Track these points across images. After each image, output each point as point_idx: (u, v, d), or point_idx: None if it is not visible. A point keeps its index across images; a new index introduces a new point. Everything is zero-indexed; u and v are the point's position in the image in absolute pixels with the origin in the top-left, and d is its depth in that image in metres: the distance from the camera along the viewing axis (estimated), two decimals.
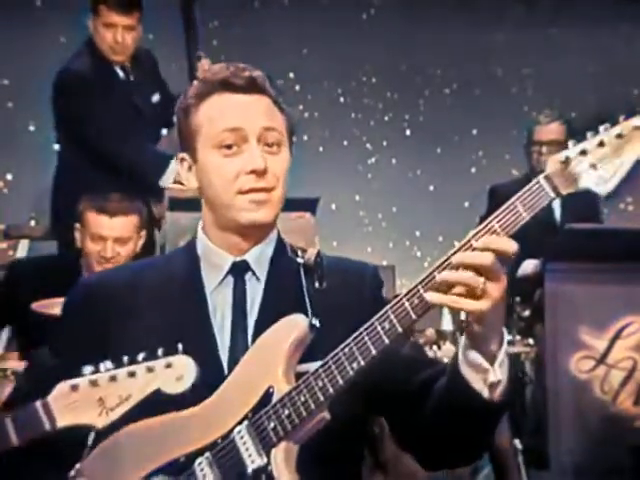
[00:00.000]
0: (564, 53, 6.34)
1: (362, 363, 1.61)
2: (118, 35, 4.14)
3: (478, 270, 1.56)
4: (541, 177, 1.60)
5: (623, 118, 1.61)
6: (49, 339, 1.87)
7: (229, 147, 1.74)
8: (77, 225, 3.63)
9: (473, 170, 6.34)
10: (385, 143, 6.37)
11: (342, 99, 6.33)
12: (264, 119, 1.74)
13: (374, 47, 6.21)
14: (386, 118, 6.38)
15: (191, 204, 4.01)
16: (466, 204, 6.12)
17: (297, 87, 6.18)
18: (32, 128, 5.84)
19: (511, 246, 1.57)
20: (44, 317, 3.14)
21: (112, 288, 1.80)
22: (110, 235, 3.55)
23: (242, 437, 1.63)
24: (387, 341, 1.59)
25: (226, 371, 1.72)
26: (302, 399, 1.62)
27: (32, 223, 4.95)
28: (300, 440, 1.64)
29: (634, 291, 3.94)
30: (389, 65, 6.28)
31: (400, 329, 1.59)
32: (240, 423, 1.63)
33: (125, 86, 4.23)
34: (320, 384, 1.62)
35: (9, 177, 5.89)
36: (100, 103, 4.06)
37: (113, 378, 1.52)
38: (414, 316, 1.59)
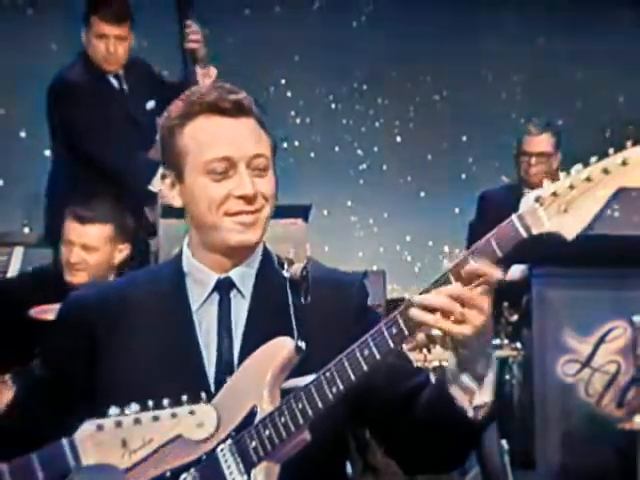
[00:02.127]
0: (552, 61, 6.35)
1: (341, 387, 1.63)
2: (110, 45, 4.19)
3: (456, 300, 1.60)
4: (514, 216, 1.62)
5: (595, 160, 1.60)
6: (39, 349, 1.90)
7: (218, 173, 1.75)
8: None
9: (463, 176, 6.34)
10: (376, 149, 6.36)
11: (333, 105, 6.33)
12: (252, 146, 1.75)
13: (365, 54, 6.22)
14: (377, 124, 6.38)
15: (182, 212, 4.05)
16: (456, 210, 6.13)
17: (289, 93, 6.21)
18: (23, 135, 5.84)
19: (493, 273, 1.60)
20: (43, 324, 3.17)
21: (100, 303, 1.81)
22: (77, 241, 3.54)
23: (224, 455, 1.66)
24: (365, 367, 1.62)
25: (212, 388, 1.74)
26: (282, 420, 1.64)
27: (26, 230, 4.95)
28: (280, 460, 1.66)
29: (618, 296, 3.97)
30: (380, 72, 6.29)
31: (378, 356, 1.62)
32: (224, 441, 1.65)
33: (119, 95, 4.27)
34: (300, 406, 1.64)
35: (0, 183, 5.87)
36: (93, 112, 4.10)
37: (138, 421, 1.53)
38: (392, 344, 1.62)
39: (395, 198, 6.29)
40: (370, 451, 3.42)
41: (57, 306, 3.25)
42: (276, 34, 6.07)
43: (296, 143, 6.15)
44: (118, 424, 1.52)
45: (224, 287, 1.79)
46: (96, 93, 4.17)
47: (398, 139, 6.40)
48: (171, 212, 3.70)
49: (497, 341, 4.20)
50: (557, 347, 3.99)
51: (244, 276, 1.80)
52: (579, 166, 1.60)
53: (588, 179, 1.59)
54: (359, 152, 6.34)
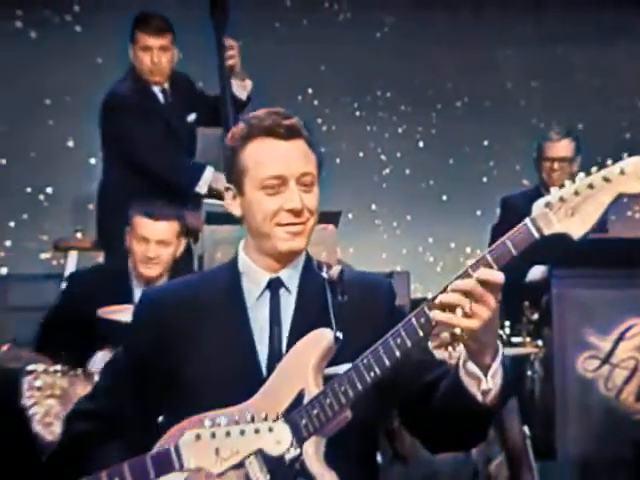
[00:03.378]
0: (570, 67, 6.40)
1: (378, 372, 1.87)
2: (154, 56, 4.43)
3: (467, 295, 1.82)
4: (528, 219, 1.82)
5: (596, 170, 1.78)
6: (122, 342, 2.14)
7: (272, 188, 2.00)
8: (127, 228, 3.87)
9: (484, 180, 6.38)
10: (399, 154, 6.40)
11: (358, 113, 6.39)
12: (301, 165, 2.01)
13: (388, 63, 6.27)
14: (400, 130, 6.42)
15: (226, 218, 4.31)
16: (478, 212, 6.19)
17: (315, 102, 6.29)
18: (70, 144, 5.97)
19: (497, 277, 1.83)
20: (109, 323, 3.39)
21: (171, 300, 2.06)
22: (153, 237, 3.78)
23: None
24: (398, 354, 1.86)
25: (264, 373, 1.99)
26: (328, 401, 1.89)
27: (78, 235, 5.10)
28: (326, 435, 1.91)
29: (636, 295, 4.06)
30: (402, 80, 6.33)
31: (409, 344, 1.86)
32: (277, 419, 1.85)
33: (163, 108, 4.49)
34: (343, 389, 1.88)
35: (49, 190, 6.00)
36: (140, 122, 4.33)
37: (228, 434, 1.75)
38: (421, 333, 1.85)
39: (418, 202, 6.34)
40: (398, 441, 3.52)
41: (122, 307, 3.51)
42: (304, 45, 6.17)
43: (322, 149, 6.26)
44: (212, 435, 1.74)
45: (275, 285, 2.05)
46: (143, 106, 4.39)
47: (420, 144, 6.44)
48: (214, 219, 3.94)
49: (519, 339, 4.29)
50: (577, 344, 4.06)
51: (291, 276, 2.05)
52: (582, 174, 1.79)
53: (591, 186, 1.77)
54: (382, 157, 6.40)
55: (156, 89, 4.52)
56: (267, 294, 2.05)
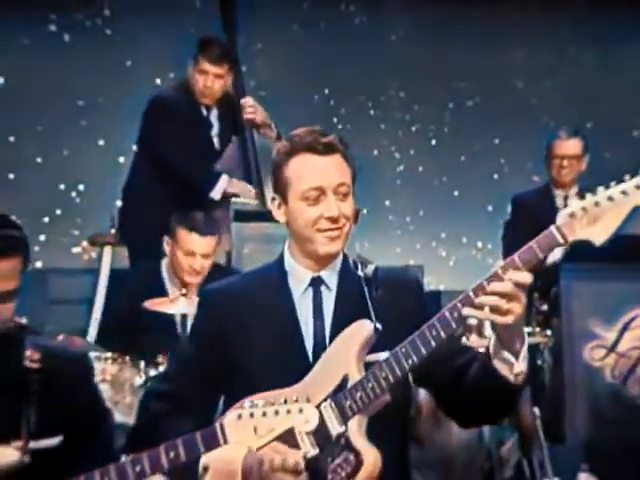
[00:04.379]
0: (580, 67, 6.52)
1: (415, 360, 2.12)
2: (209, 81, 4.67)
3: (503, 297, 2.06)
4: (553, 227, 2.04)
5: (615, 184, 1.98)
6: (190, 331, 2.40)
7: (312, 198, 2.24)
8: (167, 239, 4.10)
9: (495, 176, 6.51)
10: (412, 152, 6.53)
11: (372, 112, 6.53)
12: (338, 177, 2.25)
13: (402, 64, 6.41)
14: (413, 129, 6.56)
15: (252, 216, 4.55)
16: (489, 208, 6.33)
17: (332, 102, 6.44)
18: (101, 143, 6.15)
19: (527, 278, 2.07)
20: (153, 314, 3.61)
21: (229, 296, 2.33)
22: (199, 251, 4.03)
23: (326, 410, 2.13)
24: (433, 344, 2.11)
25: (311, 360, 2.24)
26: (370, 385, 2.14)
27: (112, 231, 5.22)
28: (368, 414, 2.15)
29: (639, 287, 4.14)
30: (416, 80, 6.47)
31: (443, 335, 2.10)
32: (325, 400, 2.12)
33: (204, 122, 4.74)
34: (383, 375, 2.14)
35: (81, 187, 6.17)
36: (176, 127, 4.55)
37: (264, 414, 1.96)
38: (454, 326, 2.10)
39: (430, 198, 6.47)
40: (415, 425, 3.64)
41: (165, 299, 3.76)
42: (321, 47, 6.31)
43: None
44: (251, 415, 1.96)
45: (316, 284, 2.30)
46: (184, 113, 4.64)
47: (433, 142, 6.57)
48: (241, 216, 4.16)
49: (529, 329, 4.40)
50: (584, 334, 4.15)
51: (330, 275, 2.30)
52: (602, 188, 2.01)
53: (610, 199, 2.00)
54: (396, 155, 6.54)
55: (202, 106, 4.76)
56: (310, 291, 2.30)
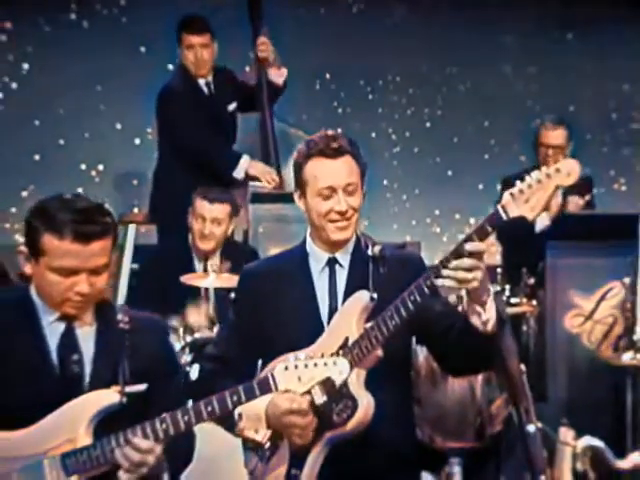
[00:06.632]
0: (565, 54, 6.72)
1: (397, 321, 2.53)
2: (197, 52, 5.02)
3: (468, 270, 2.44)
4: (499, 206, 2.40)
5: (545, 168, 2.31)
6: (232, 305, 2.83)
7: (325, 195, 2.67)
8: (190, 209, 4.44)
9: (486, 157, 6.74)
10: (408, 134, 6.72)
11: (370, 96, 6.72)
12: (346, 178, 2.67)
13: (398, 51, 6.60)
14: (409, 112, 6.74)
15: (268, 198, 4.97)
16: (480, 186, 6.56)
17: (332, 86, 6.67)
18: (119, 126, 6.42)
19: (481, 247, 2.45)
20: (188, 287, 3.94)
21: (263, 273, 2.77)
22: (209, 216, 4.36)
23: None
24: (411, 307, 2.51)
25: (325, 327, 2.68)
26: (364, 343, 2.56)
27: (135, 210, 5.63)
28: (365, 367, 2.56)
29: (616, 262, 4.41)
30: (411, 66, 6.65)
31: (419, 299, 2.50)
32: (339, 355, 2.49)
33: (207, 99, 5.07)
34: (374, 334, 2.55)
35: (100, 167, 6.45)
36: (187, 111, 4.91)
37: (306, 365, 2.30)
38: (427, 291, 2.49)
39: (425, 177, 6.71)
40: (414, 386, 3.75)
41: (198, 274, 4.16)
42: (322, 33, 6.53)
43: (339, 130, 6.50)
44: (295, 367, 2.32)
45: (332, 263, 2.75)
46: (189, 97, 4.98)
47: (428, 125, 6.79)
48: (257, 199, 4.55)
49: (517, 299, 4.79)
50: (565, 304, 4.42)
51: (344, 255, 2.74)
52: (535, 172, 2.35)
53: (539, 181, 2.36)
54: (393, 137, 6.76)
55: (201, 82, 5.11)
56: (327, 269, 2.74)
